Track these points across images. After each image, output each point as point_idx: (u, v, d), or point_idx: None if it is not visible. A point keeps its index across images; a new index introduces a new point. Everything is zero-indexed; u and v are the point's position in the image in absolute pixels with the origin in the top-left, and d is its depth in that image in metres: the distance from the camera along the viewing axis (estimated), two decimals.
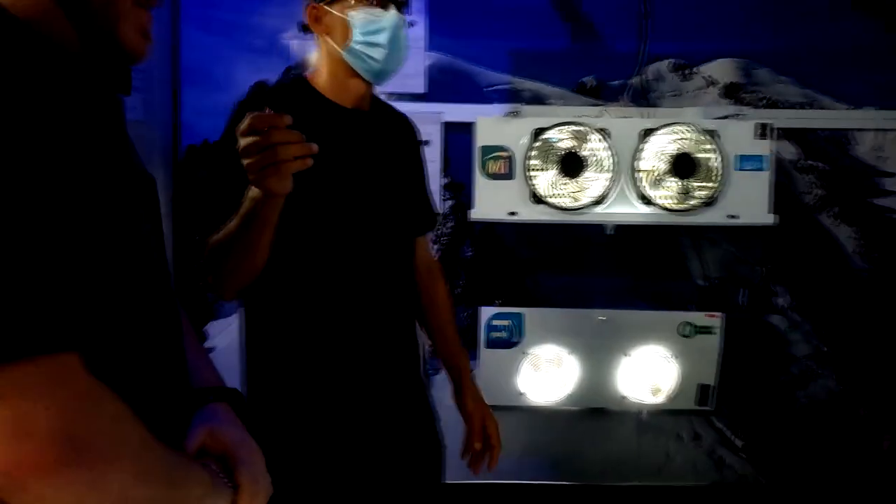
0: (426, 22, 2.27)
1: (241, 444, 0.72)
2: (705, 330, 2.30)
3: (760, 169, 2.07)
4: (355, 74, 1.29)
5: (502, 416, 2.45)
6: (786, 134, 2.34)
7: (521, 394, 2.25)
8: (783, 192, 2.33)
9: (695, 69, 2.33)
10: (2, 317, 0.47)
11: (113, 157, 0.62)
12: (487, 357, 2.30)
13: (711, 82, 2.33)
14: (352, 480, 1.28)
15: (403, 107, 2.26)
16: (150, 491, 0.58)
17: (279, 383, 1.28)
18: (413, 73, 2.28)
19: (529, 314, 2.26)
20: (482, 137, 2.10)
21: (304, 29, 1.33)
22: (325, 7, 1.26)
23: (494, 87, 2.33)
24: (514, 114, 2.11)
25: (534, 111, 2.20)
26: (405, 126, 1.48)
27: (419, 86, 2.29)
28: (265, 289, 1.23)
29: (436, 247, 2.34)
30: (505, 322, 2.30)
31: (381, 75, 1.30)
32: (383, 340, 1.34)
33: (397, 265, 1.36)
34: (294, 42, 2.40)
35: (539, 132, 2.07)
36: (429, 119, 2.27)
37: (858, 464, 2.38)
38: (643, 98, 2.30)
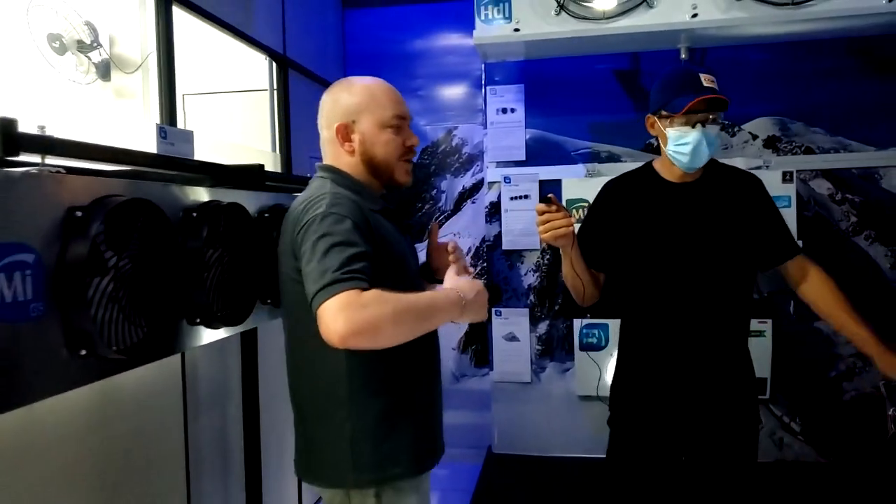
0: (524, 108, 3.05)
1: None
2: (757, 333, 2.87)
3: (787, 206, 2.65)
4: None
5: (594, 405, 3.11)
6: (823, 174, 2.88)
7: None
8: (821, 222, 2.87)
9: (739, 127, 2.93)
10: (347, 274, 1.18)
11: (385, 230, 1.39)
12: (581, 358, 3.00)
13: (754, 136, 2.92)
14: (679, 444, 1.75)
15: (509, 171, 3.05)
16: (412, 319, 1.19)
17: (639, 375, 1.80)
18: (516, 145, 3.07)
19: (613, 324, 2.92)
20: (567, 192, 2.85)
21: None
22: (654, 118, 1.73)
23: (579, 151, 3.06)
24: (591, 174, 2.83)
25: (608, 169, 2.92)
26: (743, 181, 1.79)
27: (521, 154, 3.07)
28: (631, 308, 1.82)
29: (537, 274, 3.09)
30: (594, 330, 3.00)
31: (687, 170, 1.72)
32: (713, 348, 1.72)
33: (723, 295, 1.71)
34: (428, 128, 3.29)
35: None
36: (528, 178, 3.05)
37: None
38: None
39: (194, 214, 1.38)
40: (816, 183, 2.89)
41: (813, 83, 2.86)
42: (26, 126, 1.04)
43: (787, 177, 2.65)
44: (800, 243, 2.67)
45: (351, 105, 1.41)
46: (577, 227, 1.65)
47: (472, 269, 1.47)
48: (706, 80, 1.63)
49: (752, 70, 2.89)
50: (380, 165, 1.42)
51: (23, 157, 1.06)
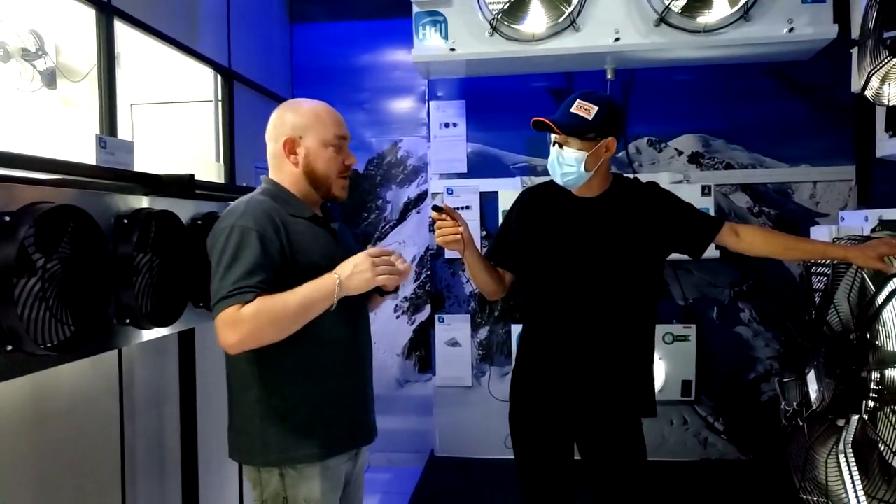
0: (465, 124, 3.19)
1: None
2: (682, 338, 3.05)
3: None
4: None
5: None
6: (742, 188, 3.08)
7: None
8: None
9: (666, 143, 3.12)
10: (235, 291, 1.33)
11: (304, 235, 1.49)
12: None
13: (679, 152, 3.11)
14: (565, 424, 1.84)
15: (451, 182, 3.18)
16: (288, 318, 1.34)
17: (530, 357, 1.88)
18: (458, 158, 3.21)
19: None
20: (504, 203, 2.99)
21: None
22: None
23: (516, 165, 3.21)
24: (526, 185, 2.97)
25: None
26: (640, 191, 1.85)
27: (462, 167, 3.21)
28: (532, 311, 1.88)
29: None
30: None
31: (565, 186, 1.78)
32: (602, 347, 1.79)
33: (615, 301, 1.78)
34: (373, 140, 3.39)
35: None
36: (469, 190, 3.18)
37: None
38: (629, 166, 3.11)
39: (125, 221, 1.46)
40: (736, 196, 3.09)
41: (734, 103, 3.07)
42: None
43: (705, 190, 2.83)
44: (719, 252, 2.86)
45: (298, 123, 1.52)
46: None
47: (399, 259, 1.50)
48: (577, 106, 1.71)
49: (678, 90, 3.08)
50: (319, 179, 1.53)
51: None
